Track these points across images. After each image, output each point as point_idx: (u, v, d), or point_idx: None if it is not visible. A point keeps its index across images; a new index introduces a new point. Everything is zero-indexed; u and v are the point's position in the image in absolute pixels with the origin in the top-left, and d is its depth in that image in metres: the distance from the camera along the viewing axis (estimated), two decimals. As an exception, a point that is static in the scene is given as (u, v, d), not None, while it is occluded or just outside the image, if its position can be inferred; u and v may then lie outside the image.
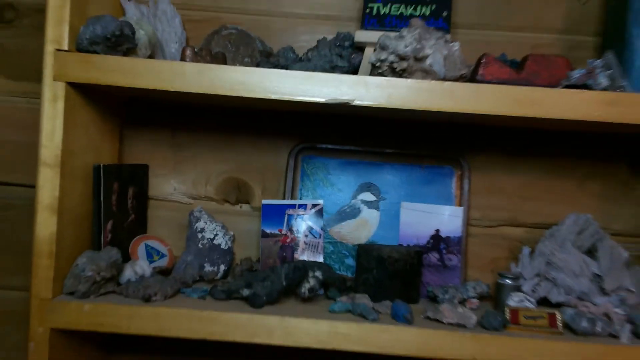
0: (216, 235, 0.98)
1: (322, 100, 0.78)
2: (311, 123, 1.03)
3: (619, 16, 0.90)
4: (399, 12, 0.91)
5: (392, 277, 0.89)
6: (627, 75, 0.86)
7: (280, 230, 0.97)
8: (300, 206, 0.98)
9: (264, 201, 0.98)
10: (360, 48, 0.92)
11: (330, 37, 0.96)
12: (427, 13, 0.90)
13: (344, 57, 0.88)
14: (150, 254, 0.95)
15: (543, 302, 0.92)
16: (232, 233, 1.00)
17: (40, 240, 0.78)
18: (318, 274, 0.87)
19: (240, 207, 1.04)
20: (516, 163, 1.03)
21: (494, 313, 0.82)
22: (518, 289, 0.92)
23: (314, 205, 0.98)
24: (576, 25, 1.00)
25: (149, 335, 0.78)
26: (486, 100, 0.76)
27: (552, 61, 0.80)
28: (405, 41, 0.78)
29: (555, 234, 0.96)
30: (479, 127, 1.02)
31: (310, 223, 0.98)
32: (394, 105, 0.77)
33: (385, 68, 0.80)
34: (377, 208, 1.01)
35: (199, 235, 0.97)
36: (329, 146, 1.02)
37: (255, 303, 0.82)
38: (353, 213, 1.02)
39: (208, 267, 0.96)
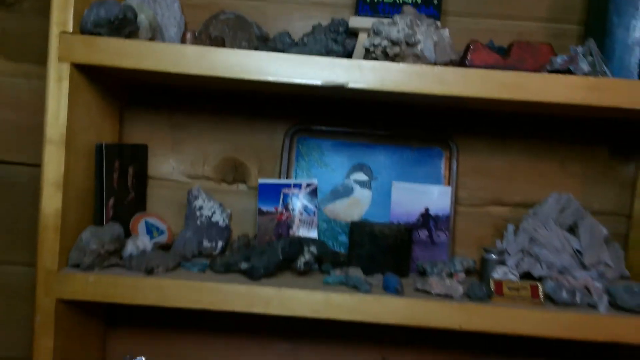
0: (214, 213, 1.01)
1: (318, 82, 0.81)
2: (306, 106, 1.06)
3: (600, 5, 0.95)
4: (391, 0, 0.94)
5: (383, 252, 0.94)
6: (608, 62, 0.91)
7: (276, 209, 1.01)
8: (295, 185, 1.02)
9: (261, 180, 1.01)
10: (354, 34, 0.96)
11: (325, 23, 0.99)
12: (419, 1, 0.94)
13: (338, 42, 0.91)
14: (150, 230, 0.99)
15: (526, 276, 0.96)
16: (229, 211, 1.03)
17: (47, 214, 0.81)
18: (313, 249, 0.91)
19: (237, 186, 1.08)
20: (502, 145, 1.07)
21: (480, 284, 0.87)
22: (502, 263, 0.96)
23: (309, 185, 1.02)
24: (561, 14, 1.04)
25: (152, 305, 0.82)
26: (474, 84, 0.80)
27: (536, 48, 0.84)
28: (397, 27, 0.82)
29: (538, 212, 1.01)
30: (468, 111, 1.06)
31: (305, 202, 1.02)
32: (386, 88, 0.81)
33: (378, 53, 0.83)
34: (369, 187, 1.05)
35: (197, 213, 1.00)
36: (324, 128, 1.06)
37: (253, 275, 0.86)
38: (346, 192, 1.06)
39: (206, 243, 0.99)
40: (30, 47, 1.04)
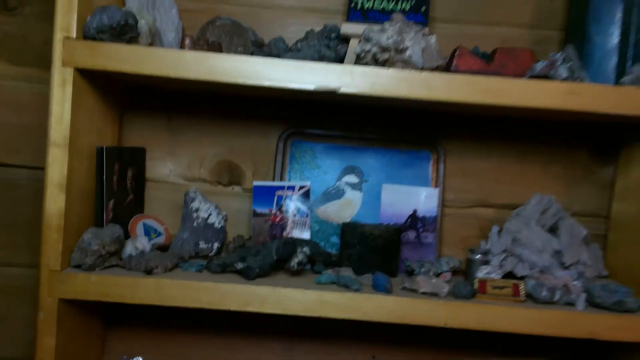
0: (210, 214, 1.04)
1: (311, 87, 0.84)
2: (299, 110, 1.10)
3: (579, 14, 0.99)
4: (381, 7, 0.98)
5: (373, 252, 0.97)
6: (586, 68, 0.95)
7: (271, 210, 1.04)
8: (289, 187, 1.05)
9: (255, 183, 1.04)
10: (345, 39, 0.99)
11: (318, 28, 1.02)
12: (407, 8, 0.98)
13: (331, 47, 0.95)
14: (148, 232, 1.01)
15: (510, 275, 0.99)
16: (225, 213, 1.06)
17: (50, 215, 0.83)
18: (306, 249, 0.94)
19: (233, 188, 1.11)
20: (487, 149, 1.11)
21: (464, 283, 0.91)
22: (487, 263, 1.00)
23: (302, 187, 1.05)
24: (543, 20, 1.09)
25: (151, 304, 0.85)
26: (459, 89, 0.84)
27: (518, 54, 0.88)
28: (387, 34, 0.85)
29: (521, 213, 1.05)
30: (454, 115, 1.10)
31: (298, 203, 1.05)
32: (376, 93, 0.84)
33: (368, 58, 0.87)
34: (360, 189, 1.09)
35: (194, 215, 1.03)
36: (316, 131, 1.09)
37: (248, 275, 0.89)
38: (338, 194, 1.09)
39: (202, 245, 1.02)
40: (31, 51, 1.06)
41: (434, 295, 0.89)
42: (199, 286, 0.85)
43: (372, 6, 0.98)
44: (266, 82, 0.83)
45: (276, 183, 1.05)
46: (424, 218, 1.06)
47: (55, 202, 0.83)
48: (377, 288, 0.89)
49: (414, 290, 0.90)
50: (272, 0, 1.08)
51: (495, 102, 0.83)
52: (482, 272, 0.97)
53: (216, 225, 1.04)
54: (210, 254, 1.03)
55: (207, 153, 1.10)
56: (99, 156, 0.91)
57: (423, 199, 1.06)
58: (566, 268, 1.01)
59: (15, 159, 1.09)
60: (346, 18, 1.00)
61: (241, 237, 1.05)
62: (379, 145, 1.10)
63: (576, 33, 0.99)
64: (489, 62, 0.88)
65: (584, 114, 0.89)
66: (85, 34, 0.82)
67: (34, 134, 1.07)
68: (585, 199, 1.12)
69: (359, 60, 0.89)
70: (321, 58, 0.92)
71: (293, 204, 1.05)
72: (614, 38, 0.95)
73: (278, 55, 0.94)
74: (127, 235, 0.98)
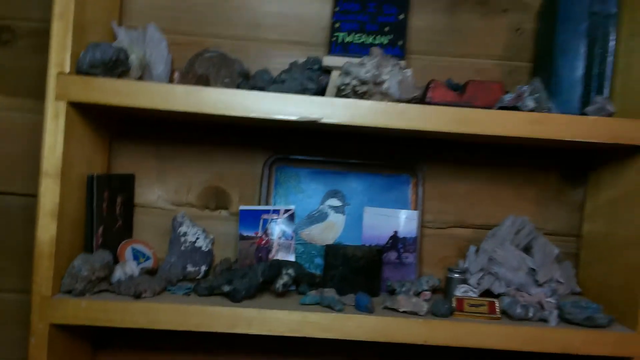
0: (197, 238, 1.07)
1: (294, 118, 0.89)
2: (284, 137, 1.14)
3: (546, 47, 1.06)
4: (360, 41, 1.04)
5: (355, 273, 1.01)
6: (554, 98, 1.01)
7: (257, 233, 1.08)
8: (274, 211, 1.09)
9: (241, 207, 1.08)
10: (327, 71, 1.05)
11: (301, 60, 1.08)
12: (385, 42, 1.04)
13: (313, 79, 1.00)
14: (137, 256, 1.04)
15: (487, 293, 1.04)
16: (212, 236, 1.09)
17: (42, 242, 0.86)
18: (291, 271, 0.97)
19: (220, 212, 1.15)
20: (464, 173, 1.16)
21: (443, 302, 0.95)
22: (465, 282, 1.04)
23: (287, 211, 1.09)
24: (514, 52, 1.15)
25: (140, 327, 0.87)
26: (433, 119, 0.89)
27: (489, 86, 0.94)
28: (365, 68, 0.91)
29: (496, 233, 1.09)
30: (432, 140, 1.15)
31: (283, 227, 1.09)
32: (356, 123, 0.89)
33: (348, 91, 0.92)
34: (342, 212, 1.13)
35: (182, 239, 1.06)
36: (300, 157, 1.13)
37: (235, 297, 0.92)
38: (321, 217, 1.13)
39: (190, 268, 1.05)
40: (24, 82, 1.10)
41: (413, 313, 0.93)
42: (186, 309, 0.88)
43: (352, 40, 1.04)
44: (252, 114, 0.88)
45: (262, 207, 1.09)
46: (404, 239, 1.11)
47: (47, 230, 0.86)
48: (359, 308, 0.93)
49: (394, 310, 0.94)
50: (258, 33, 1.13)
51: (467, 131, 0.89)
52: (460, 291, 1.01)
53: (203, 248, 1.07)
54: (197, 277, 1.05)
55: (194, 179, 1.14)
56: (90, 184, 0.94)
57: (403, 220, 1.11)
58: (540, 285, 1.05)
59: (8, 187, 1.11)
60: (328, 51, 1.06)
61: (228, 260, 1.08)
62: (361, 169, 1.15)
63: (544, 65, 1.06)
64: (461, 94, 0.94)
65: (550, 142, 0.95)
66: (79, 69, 0.86)
67: (26, 163, 1.09)
68: (558, 220, 1.17)
69: (339, 92, 0.94)
70: (303, 90, 0.97)
71: (278, 227, 1.08)
72: (579, 70, 1.01)
73: (263, 86, 0.98)
74: (116, 260, 1.00)
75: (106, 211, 0.99)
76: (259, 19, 1.13)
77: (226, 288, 0.93)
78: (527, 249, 1.09)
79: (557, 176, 1.17)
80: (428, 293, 1.02)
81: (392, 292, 1.04)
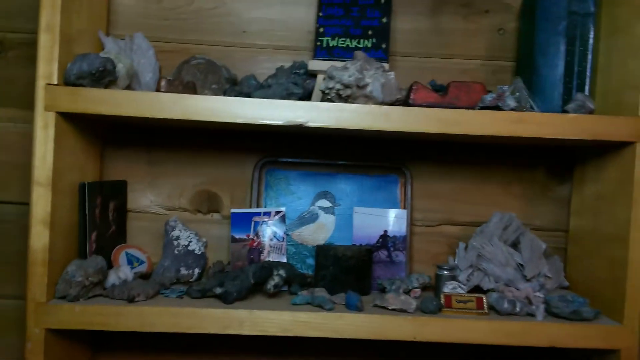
0: (190, 242, 1.09)
1: (280, 122, 0.91)
2: (273, 140, 1.16)
3: (528, 47, 1.07)
4: (345, 45, 1.06)
5: (346, 273, 1.03)
6: (536, 97, 1.03)
7: (248, 236, 1.10)
8: (265, 213, 1.11)
9: (233, 210, 1.10)
10: (313, 75, 1.06)
11: (287, 64, 1.09)
12: (369, 45, 1.05)
13: (298, 84, 1.01)
14: (131, 261, 1.06)
15: (477, 289, 1.06)
16: (204, 239, 1.11)
17: (35, 250, 0.88)
18: (282, 272, 0.99)
19: (212, 216, 1.16)
20: (451, 171, 1.18)
21: (431, 299, 0.96)
22: (454, 278, 1.05)
23: (277, 213, 1.11)
24: (497, 52, 1.17)
25: (134, 331, 0.89)
26: (416, 120, 0.91)
27: (470, 87, 0.95)
28: (349, 72, 0.93)
29: (484, 230, 1.11)
30: (419, 141, 1.17)
31: (274, 228, 1.11)
32: (341, 126, 0.91)
33: (333, 94, 0.94)
34: (332, 213, 1.15)
35: (175, 243, 1.08)
36: (290, 160, 1.15)
37: (226, 299, 0.94)
38: (312, 218, 1.15)
39: (184, 271, 1.07)
40: (15, 93, 1.12)
41: (403, 311, 0.94)
42: (179, 312, 0.90)
43: (337, 44, 1.06)
44: (238, 120, 0.90)
45: (253, 210, 1.11)
46: (394, 238, 1.12)
47: (40, 238, 0.88)
48: (349, 307, 0.95)
49: (384, 307, 0.95)
50: (244, 40, 1.15)
51: (448, 131, 0.90)
52: (448, 287, 1.03)
53: (196, 251, 1.09)
54: (191, 280, 1.07)
55: (186, 184, 1.15)
56: (81, 192, 0.96)
57: (393, 220, 1.13)
58: (528, 280, 1.07)
59: (3, 196, 1.13)
60: (314, 55, 1.07)
61: (221, 262, 1.10)
62: (350, 171, 1.16)
63: (526, 64, 1.08)
64: (443, 95, 0.95)
65: (532, 140, 0.96)
66: (66, 80, 0.88)
67: (20, 171, 1.11)
68: (545, 215, 1.19)
69: (324, 96, 0.95)
70: (289, 94, 0.99)
71: (269, 229, 1.10)
72: (560, 69, 1.03)
73: (249, 92, 1.00)
74: (110, 266, 1.02)
75: (99, 217, 1.01)
76: (245, 25, 1.15)
77: (218, 290, 0.95)
78: (515, 245, 1.10)
79: (543, 173, 1.19)
80: (418, 290, 1.04)
81: (382, 291, 1.06)
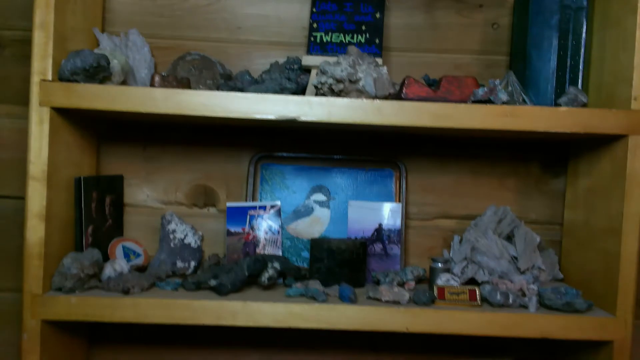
0: (186, 235, 1.10)
1: (272, 117, 0.91)
2: (269, 135, 1.17)
3: (521, 41, 1.08)
4: (338, 40, 1.06)
5: (340, 266, 1.03)
6: (529, 90, 1.03)
7: (244, 229, 1.11)
8: (260, 207, 1.12)
9: (229, 204, 1.11)
10: (307, 70, 1.07)
11: (281, 60, 1.10)
12: (362, 40, 1.06)
13: (291, 79, 1.02)
14: (127, 254, 1.07)
15: (471, 282, 1.06)
16: (200, 233, 1.12)
17: (31, 243, 0.89)
18: (276, 264, 1.00)
19: (208, 210, 1.18)
20: (446, 165, 1.19)
21: (424, 291, 0.97)
22: (448, 271, 1.06)
23: (273, 206, 1.12)
24: (491, 46, 1.17)
25: (129, 322, 0.90)
26: (408, 114, 0.91)
27: (462, 81, 0.96)
28: (341, 67, 0.93)
29: (478, 223, 1.11)
30: (414, 135, 1.18)
31: (269, 222, 1.12)
32: (333, 120, 0.92)
33: (325, 89, 0.94)
34: (327, 207, 1.16)
35: (171, 236, 1.09)
36: (285, 154, 1.16)
37: (221, 291, 0.95)
38: (307, 212, 1.16)
39: (180, 264, 1.08)
40: (11, 89, 1.13)
41: (395, 303, 0.95)
42: (173, 303, 0.91)
43: (330, 40, 1.06)
44: (231, 114, 0.91)
45: (248, 204, 1.12)
46: (389, 231, 1.13)
47: (35, 231, 0.89)
48: (342, 299, 0.96)
49: (377, 299, 0.96)
50: (239, 35, 1.16)
51: (441, 125, 0.91)
52: (442, 280, 1.03)
53: (192, 245, 1.10)
54: (187, 273, 1.08)
55: (182, 178, 1.17)
56: (77, 186, 0.97)
57: (388, 213, 1.13)
58: (522, 273, 1.07)
59: (0, 191, 1.15)
60: (307, 51, 1.08)
61: (216, 256, 1.11)
62: (345, 165, 1.17)
63: (519, 58, 1.08)
64: (435, 90, 0.96)
65: (523, 133, 0.97)
66: (61, 76, 0.89)
67: (17, 166, 1.13)
68: (540, 209, 1.19)
69: (317, 90, 0.96)
70: (282, 89, 0.99)
71: (265, 223, 1.11)
72: (552, 62, 1.03)
73: (242, 87, 1.01)
74: (107, 258, 1.04)
75: (95, 211, 1.02)
76: (240, 21, 1.16)
77: (213, 282, 0.96)
78: (509, 238, 1.11)
79: (538, 166, 1.19)
80: (412, 283, 1.05)
81: (377, 283, 1.06)
